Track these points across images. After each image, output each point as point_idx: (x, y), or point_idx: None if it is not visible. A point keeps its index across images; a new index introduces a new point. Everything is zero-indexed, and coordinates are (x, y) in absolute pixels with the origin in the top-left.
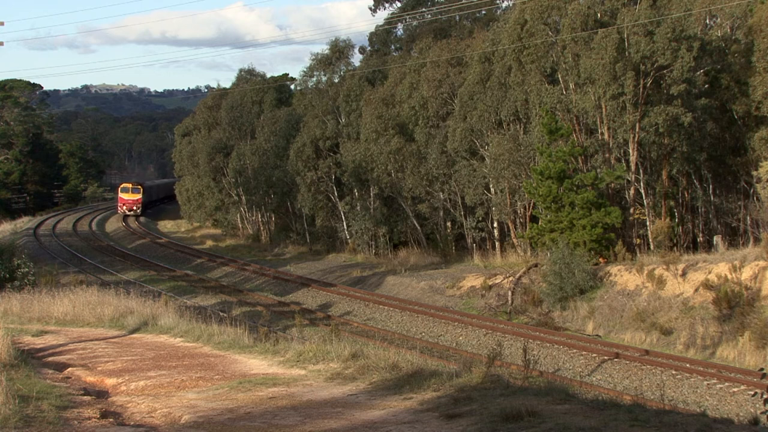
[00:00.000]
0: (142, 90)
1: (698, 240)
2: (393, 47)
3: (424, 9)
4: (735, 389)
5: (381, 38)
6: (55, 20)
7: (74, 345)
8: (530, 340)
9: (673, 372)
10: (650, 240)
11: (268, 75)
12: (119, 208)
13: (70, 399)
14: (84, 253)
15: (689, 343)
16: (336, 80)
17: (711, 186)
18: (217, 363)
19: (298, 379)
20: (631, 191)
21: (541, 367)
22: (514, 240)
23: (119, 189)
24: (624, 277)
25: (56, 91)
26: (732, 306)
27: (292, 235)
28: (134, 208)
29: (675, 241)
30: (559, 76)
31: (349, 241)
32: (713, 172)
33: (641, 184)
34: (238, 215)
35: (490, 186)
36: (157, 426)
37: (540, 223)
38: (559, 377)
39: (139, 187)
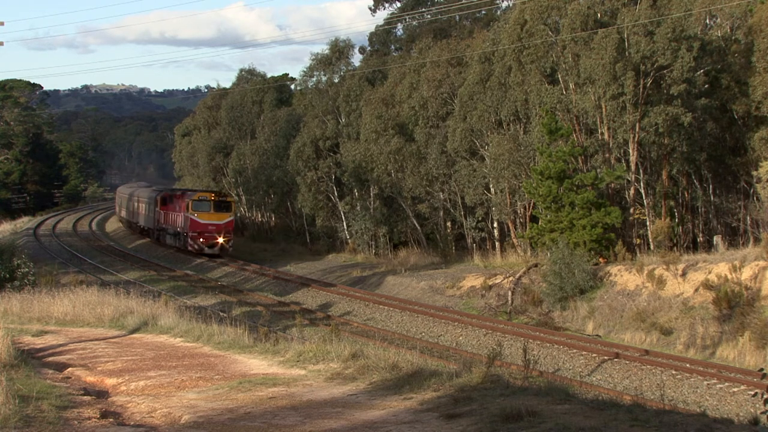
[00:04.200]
0: (142, 90)
1: (698, 240)
2: (393, 47)
3: (424, 9)
4: (735, 389)
5: (381, 38)
6: (54, 20)
7: (74, 345)
8: (530, 340)
9: (673, 372)
10: (650, 240)
11: (268, 75)
12: (190, 243)
13: (70, 399)
14: (84, 253)
15: (689, 343)
16: (336, 80)
17: (711, 186)
18: (217, 363)
19: (298, 379)
20: (631, 191)
21: (541, 367)
22: (514, 240)
23: (186, 203)
24: (624, 277)
25: (56, 91)
26: (732, 306)
27: (292, 235)
28: (219, 240)
29: (675, 241)
30: (559, 76)
31: (349, 241)
32: (713, 172)
33: (641, 184)
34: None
35: (490, 186)
36: (157, 426)
37: (540, 223)
38: (559, 377)
39: (230, 202)
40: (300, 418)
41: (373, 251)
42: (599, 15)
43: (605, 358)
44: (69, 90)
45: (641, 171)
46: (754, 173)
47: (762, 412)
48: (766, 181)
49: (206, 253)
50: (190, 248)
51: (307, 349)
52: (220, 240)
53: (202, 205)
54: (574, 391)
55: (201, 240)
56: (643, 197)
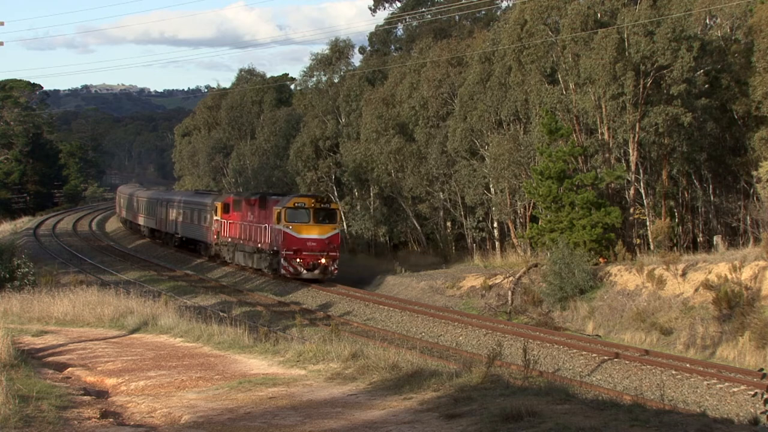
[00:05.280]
0: (142, 90)
1: (698, 240)
2: (393, 47)
3: (424, 9)
4: (735, 389)
5: (381, 38)
6: (53, 20)
7: (74, 345)
8: (530, 340)
9: (673, 372)
10: (650, 240)
11: (268, 75)
12: (284, 265)
13: (70, 399)
14: (84, 253)
15: (689, 343)
16: (336, 80)
17: (711, 186)
18: (217, 363)
19: (298, 379)
20: (631, 191)
21: (541, 367)
22: (514, 240)
23: (278, 212)
24: (624, 277)
25: (56, 91)
26: (732, 306)
27: None
28: (322, 260)
29: (675, 241)
30: (559, 76)
31: (349, 241)
32: (713, 172)
33: (641, 184)
34: None
35: (490, 186)
36: (157, 426)
37: (540, 223)
38: (559, 377)
39: (335, 209)
40: (300, 418)
41: (373, 251)
42: (599, 15)
43: (605, 358)
44: (69, 90)
45: (641, 171)
46: (754, 173)
47: (762, 412)
48: (766, 181)
49: (304, 277)
50: (284, 271)
51: (307, 349)
52: (323, 260)
53: (299, 215)
54: (574, 391)
55: (299, 260)
56: (643, 197)
